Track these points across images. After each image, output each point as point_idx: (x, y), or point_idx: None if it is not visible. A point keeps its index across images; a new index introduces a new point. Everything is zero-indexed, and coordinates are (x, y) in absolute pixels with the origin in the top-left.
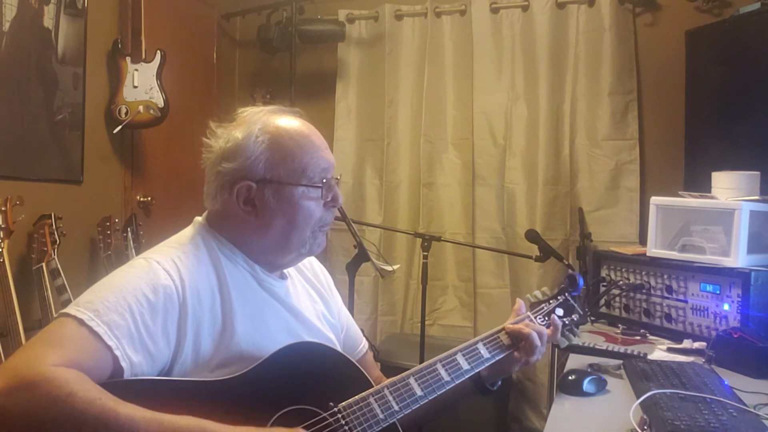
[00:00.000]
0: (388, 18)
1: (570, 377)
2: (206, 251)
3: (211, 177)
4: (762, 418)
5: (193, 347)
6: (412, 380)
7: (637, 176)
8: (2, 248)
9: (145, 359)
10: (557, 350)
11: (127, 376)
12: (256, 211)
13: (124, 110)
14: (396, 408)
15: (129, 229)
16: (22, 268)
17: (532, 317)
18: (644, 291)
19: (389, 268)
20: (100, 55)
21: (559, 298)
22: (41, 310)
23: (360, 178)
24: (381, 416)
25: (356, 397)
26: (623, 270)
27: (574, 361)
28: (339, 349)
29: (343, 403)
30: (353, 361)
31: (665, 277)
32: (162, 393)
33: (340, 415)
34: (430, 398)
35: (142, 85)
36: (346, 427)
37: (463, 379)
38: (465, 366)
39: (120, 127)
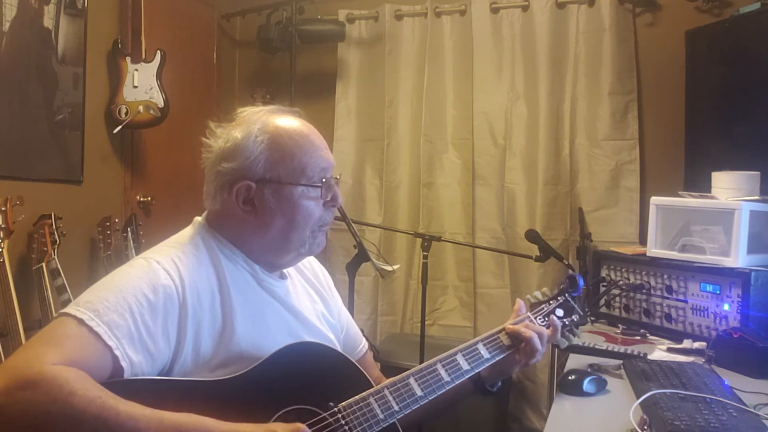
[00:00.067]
0: (388, 18)
1: (570, 377)
2: (206, 251)
3: (211, 177)
4: (762, 418)
5: (193, 347)
6: (412, 380)
7: (637, 176)
8: (2, 248)
9: (146, 359)
10: (557, 350)
11: (127, 375)
12: (255, 210)
13: (124, 110)
14: (396, 408)
15: (129, 229)
16: (22, 268)
17: (532, 318)
18: (644, 291)
19: (389, 268)
20: (100, 55)
21: (559, 298)
22: (41, 310)
23: (360, 178)
24: (381, 416)
25: (356, 397)
26: (623, 270)
27: (574, 361)
28: (339, 349)
29: (343, 403)
30: (353, 361)
31: (665, 277)
32: (162, 393)
33: (340, 415)
34: (430, 398)
35: (142, 85)
36: (346, 427)
37: (463, 379)
38: (465, 366)
39: (120, 127)
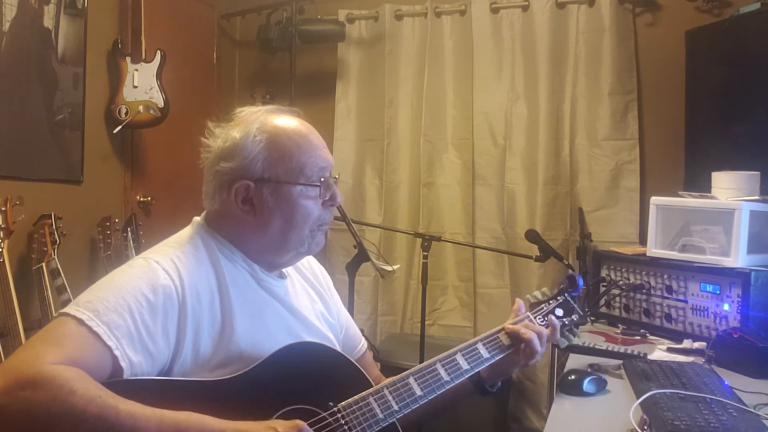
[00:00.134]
0: (388, 18)
1: (570, 377)
2: (205, 251)
3: (210, 177)
4: (762, 418)
5: (192, 347)
6: (411, 380)
7: (637, 176)
8: (2, 248)
9: (145, 359)
10: (557, 350)
11: (126, 375)
12: (254, 210)
13: (124, 110)
14: (395, 408)
15: (129, 229)
16: (22, 268)
17: (532, 317)
18: (644, 291)
19: (389, 268)
20: (100, 55)
21: (558, 298)
22: (41, 310)
23: (360, 178)
24: (380, 416)
25: (356, 396)
26: (623, 270)
27: (574, 361)
28: (338, 348)
29: (343, 403)
30: (353, 360)
31: (665, 277)
32: (162, 393)
33: (339, 415)
34: (429, 398)
35: (142, 85)
36: (346, 427)
37: (463, 379)
38: (465, 366)
39: (120, 127)
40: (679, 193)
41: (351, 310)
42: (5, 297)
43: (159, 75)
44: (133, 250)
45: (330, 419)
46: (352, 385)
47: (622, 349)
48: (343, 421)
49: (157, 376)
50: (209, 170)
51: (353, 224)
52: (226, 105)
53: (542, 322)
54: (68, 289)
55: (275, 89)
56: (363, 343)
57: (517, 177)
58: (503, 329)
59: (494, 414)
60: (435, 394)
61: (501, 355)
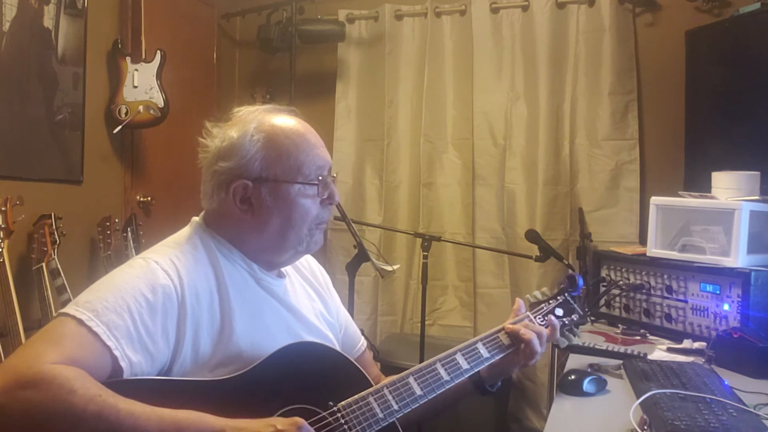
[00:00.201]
0: (388, 18)
1: (570, 377)
2: (204, 251)
3: (208, 176)
4: (762, 418)
5: (192, 347)
6: (411, 380)
7: (637, 176)
8: (2, 248)
9: (145, 359)
10: (557, 350)
11: (126, 375)
12: (252, 209)
13: (124, 110)
14: (395, 407)
15: (129, 229)
16: (22, 268)
17: (532, 317)
18: (644, 291)
19: (389, 268)
20: (100, 55)
21: (558, 298)
22: (41, 310)
23: (360, 178)
24: (380, 415)
25: (356, 396)
26: (623, 270)
27: (574, 361)
28: (337, 347)
29: (343, 403)
30: (352, 360)
31: (665, 277)
32: (162, 393)
33: (339, 414)
34: (429, 397)
35: (142, 85)
36: (346, 426)
37: (463, 378)
38: (464, 365)
39: (120, 127)
40: (679, 193)
41: (351, 310)
42: (5, 297)
43: (159, 75)
44: (133, 250)
45: (330, 419)
46: (351, 385)
47: (622, 349)
48: (342, 421)
49: (157, 375)
50: (207, 170)
51: (353, 224)
52: (226, 105)
53: (542, 321)
54: (68, 289)
55: (275, 89)
56: (362, 342)
57: (517, 177)
58: (503, 329)
59: (494, 414)
60: (435, 394)
61: (501, 355)
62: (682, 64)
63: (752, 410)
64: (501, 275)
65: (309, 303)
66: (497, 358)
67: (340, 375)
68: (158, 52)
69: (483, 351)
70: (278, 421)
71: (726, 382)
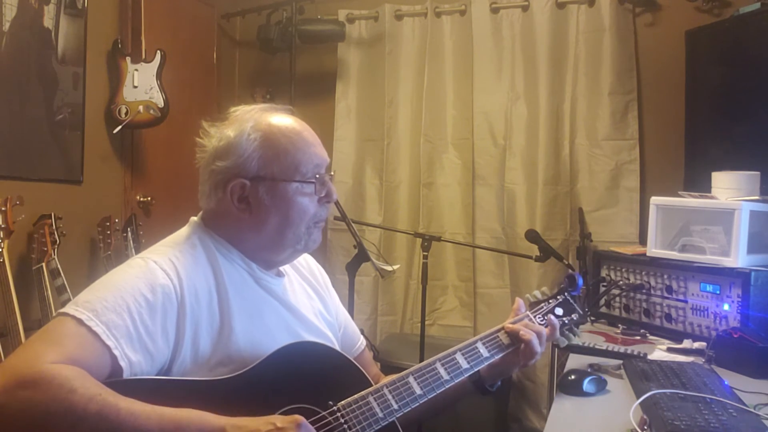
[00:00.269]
0: (388, 18)
1: (570, 377)
2: (203, 250)
3: (205, 176)
4: (762, 418)
5: (191, 346)
6: (411, 379)
7: (637, 176)
8: (2, 248)
9: (145, 358)
10: (557, 350)
11: (126, 375)
12: (250, 208)
13: (124, 110)
14: (395, 407)
15: (129, 229)
16: (22, 268)
17: (532, 317)
18: (644, 291)
19: (389, 268)
20: (100, 55)
21: (558, 297)
22: (41, 310)
23: (360, 178)
24: (380, 415)
25: (355, 396)
26: (623, 270)
27: (574, 361)
28: (337, 346)
29: (343, 402)
30: (352, 360)
31: (665, 277)
32: (162, 392)
33: (339, 414)
34: (429, 397)
35: (142, 85)
36: (346, 426)
37: (463, 378)
38: (464, 365)
39: (120, 127)
40: (679, 193)
41: (351, 310)
42: (5, 297)
43: (159, 75)
44: (133, 250)
45: (330, 418)
46: (351, 384)
47: (622, 349)
48: (342, 420)
49: (157, 375)
50: (205, 170)
51: (353, 224)
52: (226, 105)
53: (542, 321)
54: (68, 289)
55: (275, 89)
56: (361, 341)
57: (517, 177)
58: (503, 328)
59: (494, 414)
60: (434, 393)
61: (501, 354)
62: (682, 64)
63: (752, 410)
64: (501, 275)
65: (308, 302)
66: (497, 357)
67: (339, 374)
68: (158, 52)
69: (483, 350)
70: (278, 419)
71: (726, 382)
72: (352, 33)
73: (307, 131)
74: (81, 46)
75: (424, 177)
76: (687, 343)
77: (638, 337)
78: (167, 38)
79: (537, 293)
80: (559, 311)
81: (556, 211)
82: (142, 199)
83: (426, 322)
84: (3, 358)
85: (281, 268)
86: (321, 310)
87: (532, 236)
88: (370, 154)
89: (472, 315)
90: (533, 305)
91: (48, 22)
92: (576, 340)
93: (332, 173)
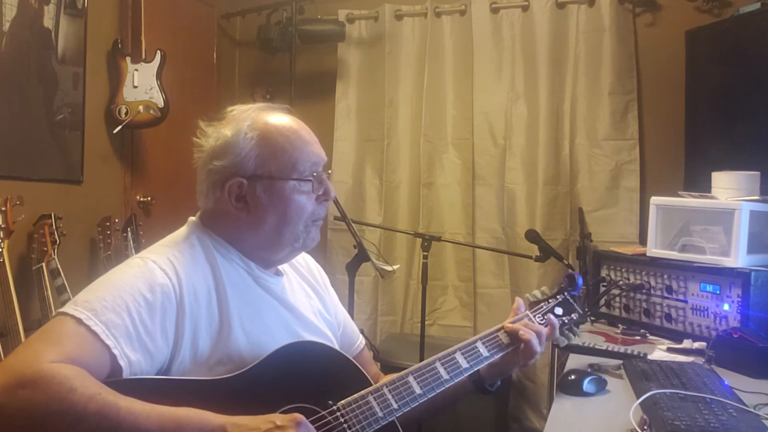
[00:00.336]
0: (388, 18)
1: (570, 377)
2: (202, 250)
3: (203, 176)
4: (762, 418)
5: (191, 345)
6: (411, 379)
7: (637, 176)
8: (2, 248)
9: (144, 358)
10: (557, 350)
11: (125, 374)
12: (248, 207)
13: (124, 110)
14: (395, 406)
15: (129, 229)
16: (22, 268)
17: (531, 316)
18: (644, 291)
19: (389, 268)
20: (100, 55)
21: (558, 297)
22: (41, 310)
23: (360, 178)
24: (380, 414)
25: (355, 395)
26: (623, 270)
27: (574, 361)
28: (336, 345)
29: (342, 402)
30: (352, 359)
31: (665, 277)
32: (162, 392)
33: (339, 413)
34: (429, 396)
35: (142, 85)
36: (345, 426)
37: (462, 377)
38: (464, 364)
39: (120, 127)
40: (679, 193)
41: (351, 310)
42: (5, 297)
43: (159, 75)
44: (133, 250)
45: (329, 417)
46: (351, 384)
47: (622, 349)
48: (342, 420)
49: (156, 374)
50: (202, 169)
51: (353, 224)
52: (226, 105)
53: (541, 321)
54: (68, 289)
55: (275, 89)
56: (361, 340)
57: (517, 177)
58: (502, 328)
59: (494, 414)
60: (434, 393)
61: (500, 354)
62: (682, 64)
63: (752, 410)
64: (501, 275)
65: (307, 301)
66: (497, 357)
67: (339, 374)
68: (158, 52)
69: (482, 350)
70: (278, 418)
71: (726, 382)
72: (352, 33)
73: (304, 130)
74: (81, 46)
75: (424, 177)
76: (687, 343)
77: (638, 337)
78: (167, 38)
79: (537, 293)
80: (559, 311)
81: (556, 211)
82: (142, 199)
83: (426, 322)
84: (3, 358)
85: (280, 268)
86: (320, 309)
87: (532, 236)
88: (370, 154)
89: (472, 315)
90: (533, 305)
91: (48, 22)
92: (576, 340)
93: (329, 171)
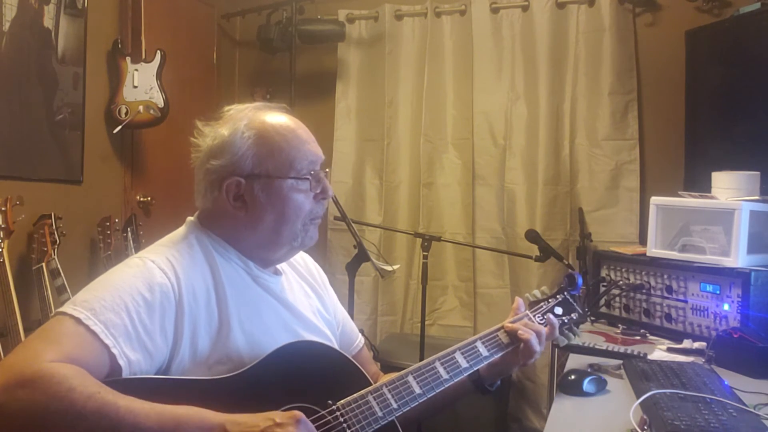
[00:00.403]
0: (388, 18)
1: (570, 377)
2: (200, 250)
3: (200, 175)
4: (762, 418)
5: (190, 345)
6: (410, 378)
7: (637, 176)
8: (2, 248)
9: (144, 357)
10: (557, 350)
11: (125, 374)
12: (246, 206)
13: (124, 110)
14: (395, 406)
15: (129, 229)
16: (22, 268)
17: (531, 316)
18: (644, 291)
19: (389, 268)
20: (100, 55)
21: (557, 297)
22: (41, 310)
23: (360, 178)
24: (380, 414)
25: (355, 395)
26: (623, 270)
27: (574, 361)
28: (335, 344)
29: (342, 401)
30: (351, 359)
31: (665, 277)
32: (161, 391)
33: (338, 413)
34: (428, 396)
35: (142, 85)
36: (345, 425)
37: (462, 377)
38: (464, 364)
39: (120, 127)
40: (679, 193)
41: (351, 310)
42: (5, 297)
43: (159, 75)
44: (133, 250)
45: (329, 417)
46: (350, 384)
47: (622, 349)
48: (342, 419)
49: (156, 374)
50: (200, 169)
51: (353, 224)
52: (226, 105)
53: (541, 320)
54: (68, 289)
55: (275, 89)
56: (360, 339)
57: (517, 177)
58: (502, 327)
59: (494, 414)
60: (434, 393)
61: (500, 354)
62: (682, 64)
63: (752, 410)
64: (501, 275)
65: (306, 300)
66: (496, 356)
67: (338, 374)
68: (158, 52)
69: (482, 349)
70: (277, 415)
71: (726, 382)
72: (352, 33)
73: (301, 128)
74: (81, 46)
75: (424, 177)
76: (687, 343)
77: (638, 337)
78: (167, 38)
79: (536, 292)
80: (559, 310)
81: (556, 211)
82: (142, 199)
83: (426, 322)
84: (3, 358)
85: (279, 267)
86: (319, 308)
87: (532, 236)
88: (370, 154)
89: (472, 315)
90: (533, 304)
91: (48, 22)
92: (576, 340)
93: (327, 170)
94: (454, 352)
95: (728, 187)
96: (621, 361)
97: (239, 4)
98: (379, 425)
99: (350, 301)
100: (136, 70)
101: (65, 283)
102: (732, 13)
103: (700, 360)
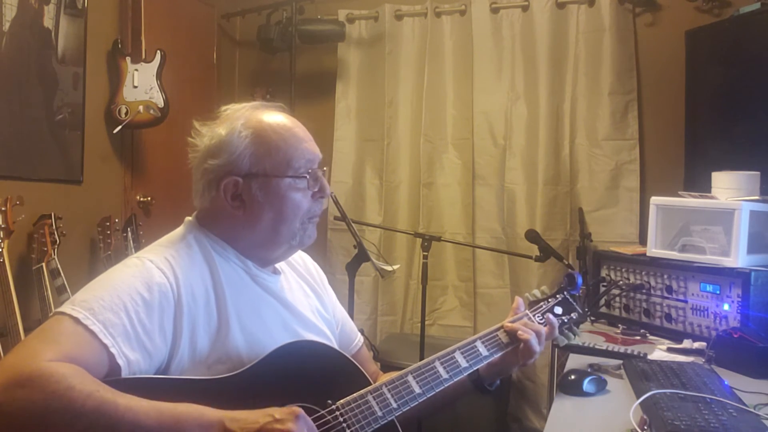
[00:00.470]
0: (388, 18)
1: (570, 377)
2: (199, 249)
3: (198, 175)
4: (762, 418)
5: (189, 344)
6: (410, 378)
7: (637, 176)
8: (2, 248)
9: (143, 357)
10: (557, 350)
11: (124, 373)
12: (244, 205)
13: (124, 110)
14: (394, 406)
15: (129, 229)
16: (22, 268)
17: (531, 316)
18: (644, 291)
19: (389, 268)
20: (100, 55)
21: (557, 296)
22: (41, 310)
23: (360, 178)
24: (379, 413)
25: (354, 394)
26: (623, 270)
27: (574, 361)
28: (334, 344)
29: (342, 401)
30: (351, 358)
31: (665, 277)
32: (160, 391)
33: (338, 413)
34: (428, 396)
35: (142, 85)
36: (345, 425)
37: (462, 376)
38: (463, 364)
39: (120, 127)
40: (679, 193)
41: (351, 310)
42: (5, 297)
43: (159, 75)
44: (133, 250)
45: (329, 417)
46: (350, 383)
47: (622, 349)
48: (341, 419)
49: (155, 373)
50: (197, 169)
51: (353, 224)
52: (225, 105)
53: (541, 320)
54: (68, 289)
55: (275, 89)
56: (359, 339)
57: (517, 177)
58: (502, 327)
59: (494, 414)
60: (433, 392)
61: (500, 353)
62: (682, 64)
63: (752, 410)
64: (501, 275)
65: (305, 299)
66: (496, 356)
67: (338, 373)
68: (158, 52)
69: (482, 349)
70: (276, 411)
71: (726, 382)
72: (352, 33)
73: (298, 127)
74: (81, 46)
75: (424, 177)
76: (687, 343)
77: (638, 337)
78: (167, 38)
79: (536, 292)
80: (558, 310)
81: (556, 211)
82: (142, 199)
83: (426, 322)
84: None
85: (278, 266)
86: (318, 308)
87: (532, 236)
88: (370, 154)
89: (472, 315)
90: (532, 304)
91: (48, 22)
92: (576, 340)
93: (325, 169)
94: (453, 351)
95: (728, 187)
96: (621, 361)
97: (239, 4)
98: (378, 425)
99: (350, 301)
100: (136, 70)
101: (65, 283)
102: (732, 13)
103: (700, 360)
